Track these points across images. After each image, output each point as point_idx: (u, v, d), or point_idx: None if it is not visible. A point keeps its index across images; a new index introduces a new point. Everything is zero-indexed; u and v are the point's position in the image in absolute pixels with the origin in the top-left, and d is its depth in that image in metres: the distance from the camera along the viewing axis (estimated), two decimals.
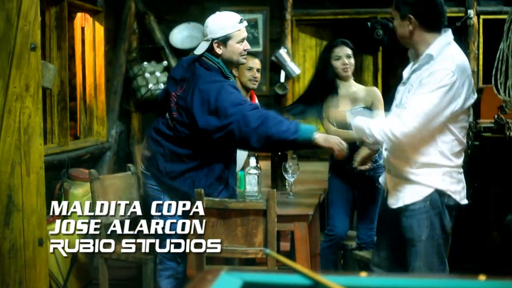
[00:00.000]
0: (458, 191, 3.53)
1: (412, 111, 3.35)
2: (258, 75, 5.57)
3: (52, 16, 6.00)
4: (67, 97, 6.11)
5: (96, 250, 5.01)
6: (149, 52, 7.57)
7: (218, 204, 3.98)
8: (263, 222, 3.93)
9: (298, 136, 3.87)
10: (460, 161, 3.56)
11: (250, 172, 4.51)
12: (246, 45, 4.27)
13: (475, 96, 3.56)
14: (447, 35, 3.54)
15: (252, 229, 3.95)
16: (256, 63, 5.57)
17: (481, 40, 7.42)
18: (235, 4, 7.64)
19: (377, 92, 5.05)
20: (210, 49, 4.18)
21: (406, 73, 3.59)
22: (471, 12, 7.30)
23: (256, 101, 5.69)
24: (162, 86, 7.42)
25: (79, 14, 6.67)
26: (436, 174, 3.48)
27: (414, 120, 3.34)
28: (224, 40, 4.19)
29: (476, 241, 5.63)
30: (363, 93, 4.98)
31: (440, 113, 3.36)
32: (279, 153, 4.86)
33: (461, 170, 3.59)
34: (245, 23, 4.31)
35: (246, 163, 4.85)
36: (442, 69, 3.35)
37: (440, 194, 3.47)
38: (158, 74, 7.39)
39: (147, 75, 7.27)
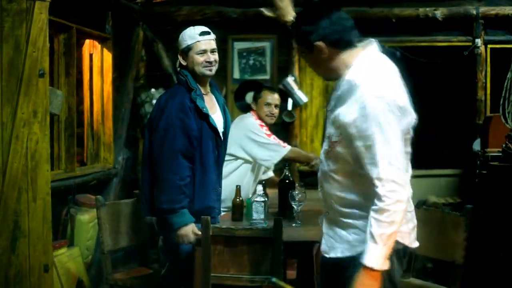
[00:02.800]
0: (406, 232, 2.98)
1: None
2: (276, 110, 5.66)
3: (61, 43, 6.02)
4: (74, 123, 6.12)
5: (102, 277, 5.00)
6: (157, 79, 7.59)
7: (224, 232, 3.96)
8: (270, 250, 3.91)
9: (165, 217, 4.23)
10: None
11: (257, 200, 4.49)
12: (208, 57, 4.34)
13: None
14: (369, 50, 3.08)
15: (258, 257, 3.93)
16: (275, 98, 5.65)
17: (488, 69, 7.43)
18: (243, 32, 7.69)
19: None
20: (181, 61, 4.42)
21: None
22: (479, 41, 7.32)
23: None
24: None
25: (87, 41, 6.70)
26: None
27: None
28: (185, 52, 4.37)
29: (484, 269, 5.59)
30: None
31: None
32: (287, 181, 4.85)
33: (411, 207, 3.05)
34: (209, 36, 4.39)
35: (253, 191, 4.84)
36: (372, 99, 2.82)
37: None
38: None
39: (154, 102, 7.28)
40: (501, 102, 5.55)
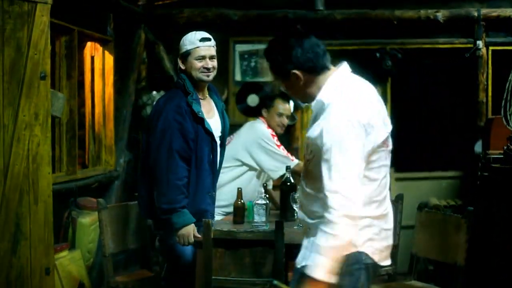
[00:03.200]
0: (378, 249, 2.98)
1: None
2: (287, 121, 5.63)
3: (62, 45, 6.03)
4: (76, 126, 6.12)
5: (104, 280, 5.00)
6: (158, 81, 7.59)
7: (226, 235, 3.96)
8: (271, 253, 3.90)
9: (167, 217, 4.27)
10: (377, 211, 2.98)
11: (259, 203, 4.49)
12: (206, 63, 4.40)
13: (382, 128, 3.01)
14: (341, 70, 3.22)
15: (260, 260, 3.93)
16: (287, 109, 5.63)
17: (490, 71, 7.42)
18: (244, 35, 7.69)
19: None
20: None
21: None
22: (480, 43, 7.31)
23: None
24: None
25: (89, 43, 6.70)
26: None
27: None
28: (185, 56, 4.43)
29: (485, 271, 5.58)
30: None
31: None
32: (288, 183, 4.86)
33: (388, 225, 3.04)
34: (209, 43, 4.43)
35: (255, 194, 4.84)
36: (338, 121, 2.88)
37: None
38: None
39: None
40: (503, 104, 5.54)
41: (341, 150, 2.80)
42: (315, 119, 3.07)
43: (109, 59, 6.88)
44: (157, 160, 4.29)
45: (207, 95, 4.58)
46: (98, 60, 6.81)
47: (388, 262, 3.06)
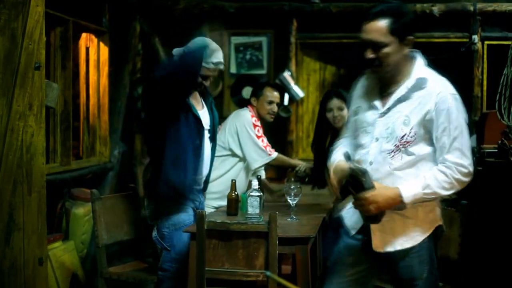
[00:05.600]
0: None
1: (462, 144, 3.21)
2: (277, 108, 5.68)
3: (57, 36, 6.01)
4: (70, 117, 6.11)
5: (97, 271, 5.00)
6: (154, 73, 7.57)
7: (219, 226, 3.97)
8: (265, 245, 3.91)
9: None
10: None
11: (252, 195, 4.49)
12: (210, 82, 4.75)
13: None
14: (418, 54, 3.42)
15: (253, 252, 3.93)
16: (276, 96, 5.66)
17: (485, 65, 7.43)
18: (240, 27, 7.68)
19: None
20: None
21: (382, 103, 3.31)
22: (476, 38, 7.32)
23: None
24: None
25: (84, 34, 6.69)
26: (435, 206, 3.40)
27: (468, 152, 3.23)
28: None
29: (479, 265, 5.59)
30: None
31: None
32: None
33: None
34: (220, 66, 4.71)
35: (248, 186, 4.84)
36: (453, 96, 3.28)
37: (438, 227, 3.39)
38: None
39: None
40: (497, 98, 5.54)
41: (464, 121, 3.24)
42: (404, 98, 3.23)
43: (104, 50, 6.87)
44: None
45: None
46: (93, 51, 6.80)
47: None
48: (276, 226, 3.89)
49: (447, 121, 3.16)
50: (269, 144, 5.53)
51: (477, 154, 6.17)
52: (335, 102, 5.26)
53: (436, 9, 7.30)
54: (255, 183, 4.55)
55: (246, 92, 7.42)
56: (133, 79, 7.36)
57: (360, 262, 3.40)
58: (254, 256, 3.94)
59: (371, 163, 3.24)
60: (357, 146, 3.38)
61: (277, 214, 3.92)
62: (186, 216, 4.58)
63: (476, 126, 6.87)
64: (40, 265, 4.14)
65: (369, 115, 3.32)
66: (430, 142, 3.21)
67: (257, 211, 4.48)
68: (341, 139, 3.62)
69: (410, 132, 3.18)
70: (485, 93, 7.42)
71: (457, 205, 4.80)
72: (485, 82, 7.43)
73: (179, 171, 4.51)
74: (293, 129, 7.68)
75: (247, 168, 5.52)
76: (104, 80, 6.89)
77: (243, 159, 5.49)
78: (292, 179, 4.95)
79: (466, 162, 3.18)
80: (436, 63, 7.77)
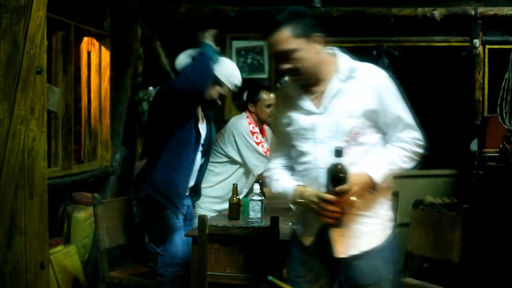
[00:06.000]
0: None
1: (410, 120, 3.29)
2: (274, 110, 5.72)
3: (59, 40, 6.02)
4: (72, 121, 6.12)
5: (99, 275, 5.00)
6: (155, 77, 7.59)
7: (221, 230, 3.97)
8: (266, 249, 3.91)
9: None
10: None
11: (254, 199, 4.50)
12: (220, 103, 4.88)
13: None
14: (337, 50, 3.39)
15: (254, 256, 3.93)
16: (272, 98, 5.69)
17: (486, 69, 7.43)
18: (241, 31, 7.68)
19: None
20: None
21: (315, 104, 3.22)
22: (477, 42, 7.32)
23: (267, 133, 5.73)
24: None
25: (85, 38, 6.69)
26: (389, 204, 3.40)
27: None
28: (217, 82, 4.75)
29: (480, 269, 5.59)
30: None
31: None
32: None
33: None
34: (234, 90, 4.92)
35: (250, 190, 4.85)
36: (386, 77, 3.30)
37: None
38: None
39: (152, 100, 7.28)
40: (499, 102, 5.55)
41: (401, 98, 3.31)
42: (337, 94, 3.19)
43: (106, 54, 6.87)
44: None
45: None
46: (95, 55, 6.81)
47: None
48: (278, 230, 3.89)
49: (390, 103, 3.21)
50: (270, 149, 5.54)
51: (479, 158, 6.18)
52: None
53: (437, 13, 7.30)
54: (256, 188, 4.55)
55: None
56: (134, 83, 7.36)
57: (321, 276, 3.32)
58: (255, 260, 3.94)
59: (322, 168, 3.13)
60: (298, 156, 3.28)
61: (278, 218, 3.92)
62: (176, 221, 4.57)
63: (477, 130, 6.87)
64: (41, 269, 4.14)
65: (306, 121, 3.23)
66: (378, 129, 3.22)
67: (259, 215, 4.48)
68: (272, 163, 3.48)
69: (357, 123, 3.15)
70: (486, 97, 7.41)
71: (458, 209, 4.80)
72: (486, 86, 7.43)
73: (168, 177, 4.54)
74: None
75: (248, 173, 5.52)
76: (106, 84, 6.89)
77: (243, 164, 5.48)
78: None
79: (419, 134, 3.31)
80: (437, 67, 7.79)
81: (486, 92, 7.43)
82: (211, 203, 5.31)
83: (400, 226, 5.57)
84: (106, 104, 6.91)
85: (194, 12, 7.47)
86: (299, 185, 3.24)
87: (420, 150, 3.31)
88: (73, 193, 5.99)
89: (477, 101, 7.39)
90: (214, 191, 5.33)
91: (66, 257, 5.61)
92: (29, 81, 4.04)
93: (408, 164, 3.27)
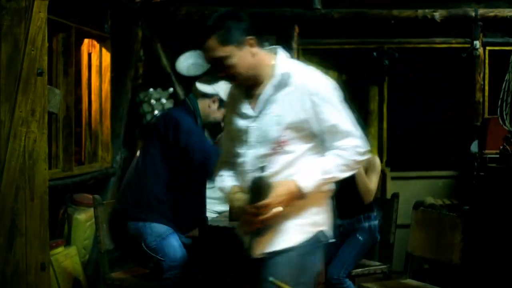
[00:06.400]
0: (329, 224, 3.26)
1: (350, 127, 3.16)
2: None
3: (59, 42, 6.02)
4: (72, 122, 6.12)
5: (99, 276, 5.00)
6: (156, 78, 7.59)
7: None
8: None
9: None
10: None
11: None
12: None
13: None
14: (279, 49, 3.25)
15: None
16: None
17: (487, 71, 7.43)
18: None
19: (376, 161, 5.30)
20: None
21: (252, 107, 3.21)
22: (477, 43, 7.32)
23: None
24: None
25: (86, 40, 6.70)
26: (322, 210, 3.26)
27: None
28: (219, 100, 4.74)
29: (480, 270, 5.59)
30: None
31: None
32: None
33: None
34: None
35: None
36: (322, 82, 3.16)
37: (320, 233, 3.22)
38: (164, 100, 7.41)
39: (153, 101, 7.29)
40: (499, 104, 5.55)
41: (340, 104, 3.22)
42: (271, 99, 3.14)
43: (106, 56, 6.88)
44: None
45: None
46: (95, 57, 6.81)
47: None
48: None
49: (326, 111, 3.10)
50: None
51: (479, 160, 6.18)
52: None
53: (438, 14, 7.30)
54: None
55: None
56: (135, 85, 7.37)
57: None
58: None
59: (249, 171, 3.13)
60: (235, 156, 3.27)
61: None
62: (170, 223, 4.57)
63: (478, 132, 6.87)
64: (42, 270, 4.15)
65: (242, 122, 3.22)
66: (311, 137, 3.14)
67: None
68: (219, 158, 3.47)
69: (284, 132, 3.08)
70: (486, 99, 7.41)
71: (459, 210, 4.80)
72: (486, 88, 7.42)
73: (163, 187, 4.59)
74: None
75: None
76: (106, 86, 6.90)
77: None
78: None
79: (360, 142, 3.15)
80: (438, 68, 7.79)
81: (486, 93, 7.42)
82: (212, 204, 5.31)
83: (400, 227, 5.60)
84: (107, 106, 6.91)
85: (195, 13, 7.46)
86: (235, 185, 3.23)
87: (361, 158, 3.16)
88: (73, 195, 5.99)
89: (477, 102, 7.39)
90: (215, 193, 5.32)
91: (66, 258, 5.61)
92: (30, 83, 4.05)
93: (345, 173, 3.14)
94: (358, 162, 3.17)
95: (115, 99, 7.03)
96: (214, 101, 4.70)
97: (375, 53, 7.41)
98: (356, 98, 7.79)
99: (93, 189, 6.23)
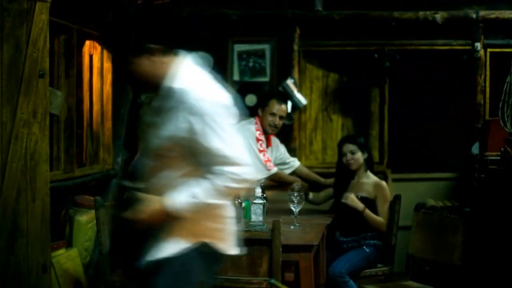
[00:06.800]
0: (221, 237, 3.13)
1: (229, 152, 2.98)
2: (280, 122, 5.65)
3: (61, 44, 6.03)
4: (74, 124, 6.12)
5: (101, 278, 5.00)
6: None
7: None
8: (268, 252, 3.91)
9: None
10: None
11: (256, 202, 4.50)
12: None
13: None
14: (187, 59, 3.19)
15: (256, 259, 3.94)
16: (281, 110, 5.63)
17: (488, 73, 7.43)
18: (243, 35, 7.69)
19: (384, 188, 5.40)
20: None
21: (150, 114, 3.16)
22: (478, 45, 7.32)
23: (273, 143, 5.71)
24: None
25: (87, 42, 6.70)
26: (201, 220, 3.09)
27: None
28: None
29: (481, 272, 5.60)
30: (370, 185, 5.39)
31: None
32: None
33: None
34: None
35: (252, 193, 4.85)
36: (210, 103, 2.96)
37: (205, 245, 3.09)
38: None
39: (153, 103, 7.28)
40: (500, 106, 5.55)
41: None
42: (160, 108, 3.05)
43: (108, 58, 6.88)
44: None
45: None
46: (97, 59, 6.81)
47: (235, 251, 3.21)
48: (280, 234, 3.89)
49: (205, 133, 2.93)
50: (270, 159, 5.54)
51: (480, 162, 6.18)
52: (347, 147, 5.45)
53: (439, 16, 7.31)
54: (258, 191, 4.55)
55: (249, 99, 7.42)
56: None
57: None
58: (257, 263, 3.94)
59: (141, 180, 3.07)
60: None
61: (280, 222, 3.92)
62: None
63: (479, 134, 6.87)
64: (43, 272, 4.16)
65: (144, 128, 3.21)
66: (190, 157, 3.00)
67: (260, 218, 4.49)
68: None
69: (163, 145, 3.00)
70: (488, 101, 7.42)
71: (459, 212, 4.80)
72: (488, 90, 7.43)
73: None
74: (296, 136, 7.68)
75: None
76: (108, 87, 6.90)
77: None
78: (295, 187, 4.97)
79: (238, 169, 2.95)
80: (439, 70, 7.80)
81: (487, 95, 7.43)
82: None
83: (401, 229, 5.60)
84: (108, 107, 6.91)
85: (196, 15, 7.47)
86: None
87: (236, 185, 2.95)
88: (75, 196, 5.99)
89: (478, 104, 7.39)
90: None
91: (68, 260, 5.61)
92: (31, 85, 4.06)
93: (216, 198, 2.96)
94: (233, 189, 2.97)
95: (116, 100, 7.03)
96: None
97: (376, 55, 7.41)
98: (357, 100, 7.80)
99: (94, 191, 6.23)
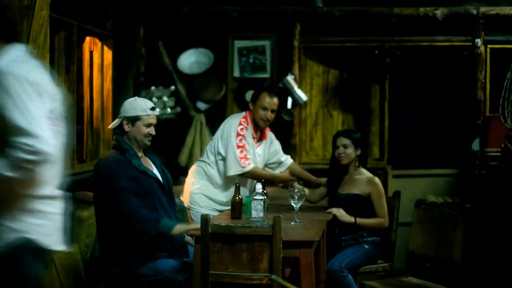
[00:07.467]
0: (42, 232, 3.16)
1: (22, 122, 2.98)
2: (272, 115, 5.56)
3: (61, 40, 6.03)
4: (74, 121, 6.12)
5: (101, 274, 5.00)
6: (157, 76, 7.60)
7: (223, 230, 3.97)
8: (269, 248, 3.91)
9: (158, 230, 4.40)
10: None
11: (256, 198, 4.50)
12: (152, 130, 4.65)
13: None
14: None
15: (257, 255, 3.94)
16: (272, 103, 5.54)
17: (488, 69, 7.43)
18: (243, 31, 7.69)
19: (377, 183, 5.28)
20: (120, 125, 4.65)
21: None
22: (479, 41, 7.32)
23: (268, 136, 5.67)
24: (169, 110, 7.45)
25: (88, 38, 6.70)
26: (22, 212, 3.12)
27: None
28: (132, 120, 4.63)
29: (482, 268, 5.60)
30: (363, 182, 5.29)
31: None
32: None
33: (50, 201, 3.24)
34: (156, 112, 4.69)
35: (253, 189, 4.85)
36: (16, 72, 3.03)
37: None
38: (165, 98, 7.42)
39: (154, 99, 7.30)
40: (501, 102, 5.55)
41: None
42: None
43: (108, 54, 6.88)
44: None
45: (143, 154, 4.74)
46: (97, 55, 6.82)
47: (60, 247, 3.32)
48: (280, 230, 3.89)
49: (9, 104, 2.95)
50: (247, 157, 5.43)
51: (481, 158, 6.18)
52: (341, 140, 5.35)
53: (439, 12, 7.31)
54: (259, 187, 4.55)
55: (249, 95, 7.42)
56: (136, 83, 7.37)
57: None
58: (258, 259, 3.94)
59: None
60: None
61: (281, 217, 3.92)
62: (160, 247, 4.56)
63: (479, 130, 6.87)
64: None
65: None
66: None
67: (261, 214, 4.49)
68: None
69: None
70: (488, 97, 7.42)
71: (460, 208, 4.80)
72: (488, 86, 7.43)
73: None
74: (296, 133, 7.69)
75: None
76: (108, 84, 6.90)
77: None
78: (296, 183, 4.97)
79: (31, 139, 2.91)
80: (439, 67, 7.79)
81: (488, 91, 7.43)
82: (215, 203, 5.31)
83: (402, 225, 5.61)
84: (108, 104, 6.92)
85: (197, 12, 7.47)
86: None
87: (30, 157, 2.92)
88: (75, 193, 6.00)
89: (479, 100, 7.39)
90: (213, 194, 5.36)
91: (68, 256, 5.61)
92: None
93: (15, 172, 2.95)
94: (29, 161, 2.94)
95: (116, 97, 7.03)
96: (127, 124, 4.64)
97: (376, 51, 7.41)
98: (357, 96, 7.80)
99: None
